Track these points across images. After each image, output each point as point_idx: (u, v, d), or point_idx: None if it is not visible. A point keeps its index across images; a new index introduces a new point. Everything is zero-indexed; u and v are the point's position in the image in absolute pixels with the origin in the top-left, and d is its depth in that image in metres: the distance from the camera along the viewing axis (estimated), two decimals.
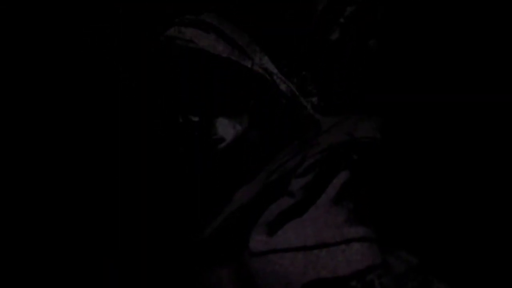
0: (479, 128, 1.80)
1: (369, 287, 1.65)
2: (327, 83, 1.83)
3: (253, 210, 1.78)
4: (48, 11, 1.85)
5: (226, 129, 1.86)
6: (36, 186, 1.81)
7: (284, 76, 1.85)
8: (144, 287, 1.76)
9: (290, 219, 1.74)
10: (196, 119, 1.86)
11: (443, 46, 1.80)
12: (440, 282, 1.72)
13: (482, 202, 1.78)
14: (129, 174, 1.83)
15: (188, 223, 1.80)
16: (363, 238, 1.68)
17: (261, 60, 1.85)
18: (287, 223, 1.73)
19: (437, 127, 1.83)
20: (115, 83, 1.84)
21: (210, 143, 1.85)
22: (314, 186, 1.78)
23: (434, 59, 1.80)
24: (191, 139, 1.87)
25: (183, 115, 1.86)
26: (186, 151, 1.86)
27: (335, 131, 1.87)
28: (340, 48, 1.82)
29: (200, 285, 1.75)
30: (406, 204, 1.79)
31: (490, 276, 1.74)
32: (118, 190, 1.83)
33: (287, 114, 1.86)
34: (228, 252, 1.75)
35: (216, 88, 1.85)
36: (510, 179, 1.77)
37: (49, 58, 1.87)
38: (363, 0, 1.79)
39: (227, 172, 1.84)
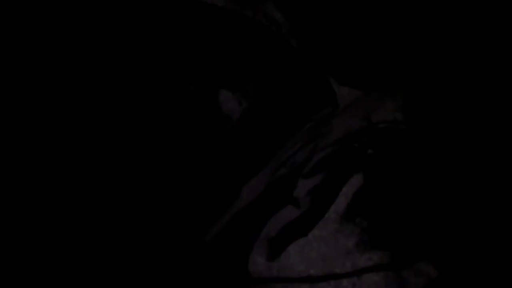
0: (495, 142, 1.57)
1: None
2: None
3: (257, 213, 1.60)
4: (48, 11, 1.74)
5: (231, 105, 1.64)
6: (37, 186, 1.72)
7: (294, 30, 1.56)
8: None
9: (294, 235, 1.55)
10: (194, 87, 1.65)
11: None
12: None
13: (503, 213, 1.57)
14: (133, 174, 1.69)
15: (192, 220, 1.65)
16: (377, 266, 1.49)
17: (264, 7, 1.55)
18: (291, 244, 1.55)
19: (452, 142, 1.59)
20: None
21: (216, 120, 1.65)
22: (322, 191, 1.56)
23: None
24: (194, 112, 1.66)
25: (183, 82, 1.64)
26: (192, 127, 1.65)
27: (351, 113, 1.63)
28: None
29: None
30: (425, 210, 1.58)
31: None
32: (120, 189, 1.69)
33: (298, 81, 1.61)
34: (229, 259, 1.59)
35: (214, 49, 1.58)
36: None
37: (49, 58, 1.75)
38: None
39: (234, 159, 1.64)
